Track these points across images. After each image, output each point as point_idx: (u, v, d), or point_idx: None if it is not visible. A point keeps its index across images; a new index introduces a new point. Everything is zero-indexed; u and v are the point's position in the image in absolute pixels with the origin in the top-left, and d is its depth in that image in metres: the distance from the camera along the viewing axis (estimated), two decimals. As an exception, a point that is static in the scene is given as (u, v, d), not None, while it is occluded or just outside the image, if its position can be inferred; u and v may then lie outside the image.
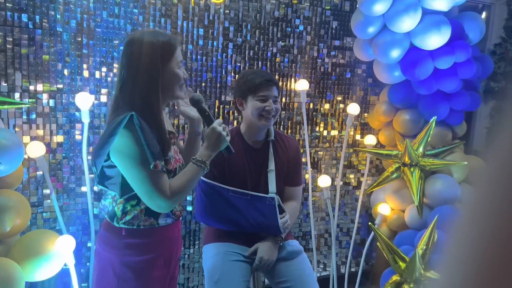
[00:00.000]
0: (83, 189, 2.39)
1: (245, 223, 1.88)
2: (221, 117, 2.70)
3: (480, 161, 3.01)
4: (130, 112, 1.31)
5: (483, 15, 3.87)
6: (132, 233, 1.42)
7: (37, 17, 2.20)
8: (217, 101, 2.70)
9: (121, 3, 2.36)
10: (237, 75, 2.72)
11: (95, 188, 2.39)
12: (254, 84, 1.84)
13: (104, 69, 2.38)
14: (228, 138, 1.47)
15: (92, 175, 2.27)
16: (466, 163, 2.65)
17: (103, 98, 2.40)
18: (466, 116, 2.97)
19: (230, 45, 2.67)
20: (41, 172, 2.29)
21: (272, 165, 1.94)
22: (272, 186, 1.92)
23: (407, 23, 2.48)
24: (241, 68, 2.71)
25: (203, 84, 2.64)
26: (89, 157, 2.24)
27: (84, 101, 2.16)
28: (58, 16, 2.24)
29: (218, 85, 2.68)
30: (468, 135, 3.84)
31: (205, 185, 1.88)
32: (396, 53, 2.60)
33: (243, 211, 1.87)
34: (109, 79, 2.40)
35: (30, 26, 2.19)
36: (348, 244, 3.18)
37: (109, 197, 1.46)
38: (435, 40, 2.49)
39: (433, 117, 2.61)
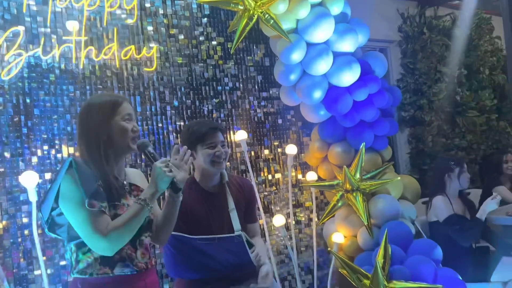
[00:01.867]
0: (37, 272, 2.26)
1: (218, 267, 1.91)
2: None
3: (410, 178, 3.34)
4: (69, 158, 1.41)
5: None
6: (86, 284, 1.40)
7: (-29, 104, 2.19)
8: (163, 162, 2.76)
9: (56, 81, 2.43)
10: (178, 135, 2.83)
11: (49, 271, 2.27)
12: (201, 133, 1.96)
13: (45, 147, 2.38)
14: (170, 174, 1.42)
15: (45, 257, 2.18)
16: (399, 178, 2.93)
17: (48, 176, 2.37)
18: (389, 143, 3.31)
19: (168, 107, 2.82)
20: (-13, 264, 2.15)
21: (232, 204, 2.02)
22: (237, 224, 1.99)
23: (323, 66, 2.82)
24: (182, 127, 2.84)
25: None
26: (39, 238, 2.16)
27: (29, 180, 2.13)
28: (-7, 101, 2.24)
29: (161, 146, 2.77)
30: (394, 160, 4.23)
31: (171, 238, 1.90)
32: (318, 94, 2.90)
33: (214, 255, 1.90)
34: (51, 156, 2.39)
35: (-36, 114, 2.17)
36: (312, 283, 3.25)
37: (67, 249, 1.45)
38: (349, 77, 2.85)
39: (362, 144, 2.89)
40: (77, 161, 1.41)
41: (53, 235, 1.45)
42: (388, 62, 4.48)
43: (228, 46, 3.10)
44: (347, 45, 2.87)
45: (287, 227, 3.10)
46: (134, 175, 1.64)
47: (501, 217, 3.00)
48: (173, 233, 1.89)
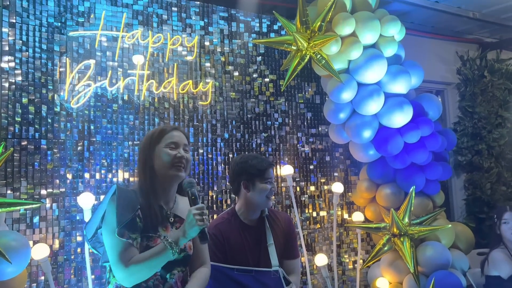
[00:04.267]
0: (85, 289, 2.38)
1: (254, 299, 1.92)
2: (214, 206, 2.83)
3: (464, 227, 3.17)
4: (114, 185, 1.50)
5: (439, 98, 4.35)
6: None
7: (43, 128, 2.42)
8: (210, 191, 2.85)
9: (118, 110, 2.63)
10: (226, 166, 2.92)
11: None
12: (263, 168, 2.01)
13: (103, 171, 2.55)
14: (201, 224, 1.42)
15: (93, 276, 2.30)
16: (450, 225, 2.80)
17: (102, 198, 2.53)
18: (443, 188, 3.19)
19: (218, 139, 2.93)
20: (42, 278, 2.30)
21: (271, 239, 2.04)
22: (274, 259, 2.00)
23: (373, 106, 2.82)
24: (230, 159, 2.93)
25: (195, 176, 2.82)
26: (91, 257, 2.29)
27: (86, 201, 2.28)
28: (62, 126, 2.46)
29: (210, 176, 2.86)
30: (447, 206, 4.04)
31: (209, 268, 1.94)
32: (367, 134, 2.89)
33: (251, 287, 1.91)
34: (108, 179, 2.55)
35: (37, 136, 2.39)
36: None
37: (106, 265, 1.54)
38: (400, 118, 2.82)
39: (412, 187, 2.81)
40: (120, 189, 1.49)
41: (94, 251, 1.57)
42: (445, 105, 4.36)
43: (280, 83, 3.19)
44: (400, 86, 2.86)
45: (329, 267, 3.04)
46: (184, 205, 1.62)
47: None
48: (211, 263, 1.94)
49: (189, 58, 2.88)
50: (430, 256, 2.76)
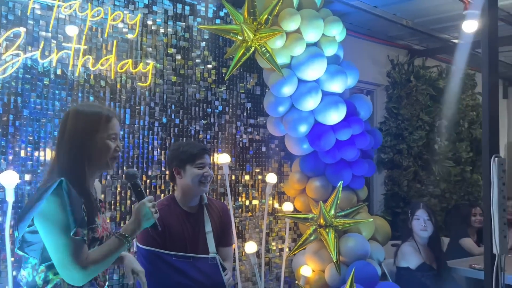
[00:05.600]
0: (3, 271, 2.24)
1: (190, 286, 1.95)
2: (147, 191, 2.79)
3: (382, 220, 3.43)
4: (60, 178, 1.35)
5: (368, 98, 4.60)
6: None
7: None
8: (144, 176, 2.80)
9: (50, 85, 2.46)
10: (163, 151, 2.88)
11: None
12: (192, 153, 2.03)
13: (29, 148, 2.39)
14: (156, 216, 1.48)
15: (13, 258, 2.17)
16: (372, 220, 3.02)
17: (27, 177, 2.38)
18: (365, 183, 3.41)
19: (156, 123, 2.86)
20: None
21: (209, 227, 2.08)
22: (212, 246, 2.04)
23: (311, 102, 2.93)
24: (167, 144, 2.88)
25: (129, 160, 2.74)
26: (11, 238, 2.15)
27: (9, 179, 2.13)
28: (-16, 97, 2.26)
29: (145, 161, 2.80)
30: (369, 199, 4.33)
31: (147, 253, 1.94)
32: (303, 128, 3.00)
33: (188, 274, 1.95)
34: (34, 157, 2.40)
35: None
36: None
37: (28, 266, 1.41)
38: (335, 116, 2.95)
39: (340, 182, 2.98)
40: (67, 182, 1.36)
41: (21, 253, 1.41)
42: (374, 105, 4.63)
43: (223, 71, 3.18)
44: (337, 86, 2.99)
45: (258, 254, 3.13)
46: (98, 189, 1.61)
47: (464, 268, 3.10)
48: (148, 248, 1.94)
49: (130, 36, 2.77)
50: (351, 247, 2.96)
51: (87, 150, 1.44)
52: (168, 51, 2.93)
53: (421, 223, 3.04)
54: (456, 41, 4.66)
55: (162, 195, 2.86)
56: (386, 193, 4.59)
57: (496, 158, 1.98)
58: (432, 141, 4.83)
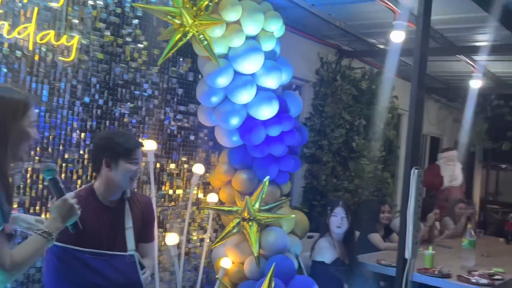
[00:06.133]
0: None
1: (104, 285, 1.83)
2: (63, 176, 2.58)
3: (302, 215, 3.54)
4: None
5: (296, 93, 4.70)
6: None
7: None
8: (59, 159, 2.57)
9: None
10: (82, 134, 2.67)
11: None
12: (129, 148, 1.89)
13: None
14: (78, 213, 1.46)
15: None
16: (294, 216, 3.10)
17: None
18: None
19: (77, 103, 2.64)
20: None
21: (129, 223, 1.96)
22: (131, 243, 1.93)
23: (245, 96, 2.90)
24: (87, 126, 2.68)
25: (44, 141, 2.50)
26: None
27: None
28: None
29: (61, 143, 2.57)
30: (289, 192, 4.45)
31: (58, 249, 1.78)
32: (235, 121, 2.97)
33: (102, 272, 1.82)
34: None
35: None
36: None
37: None
38: (267, 111, 2.96)
39: (267, 177, 3.01)
40: None
41: None
42: (301, 99, 4.74)
43: (154, 52, 3.02)
44: (272, 81, 2.99)
45: (178, 245, 3.07)
46: None
47: (372, 264, 3.33)
48: (59, 244, 1.78)
49: (53, 4, 2.49)
50: (272, 241, 3.01)
51: (7, 137, 1.31)
52: (96, 26, 2.70)
53: (338, 220, 3.19)
54: (381, 46, 4.91)
55: (79, 180, 2.66)
56: (306, 186, 4.76)
57: (416, 170, 2.12)
58: (351, 139, 5.08)
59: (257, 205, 2.99)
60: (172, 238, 2.81)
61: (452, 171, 6.32)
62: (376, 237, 4.02)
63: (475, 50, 4.38)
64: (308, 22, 4.19)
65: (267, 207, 3.09)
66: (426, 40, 2.79)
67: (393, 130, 5.86)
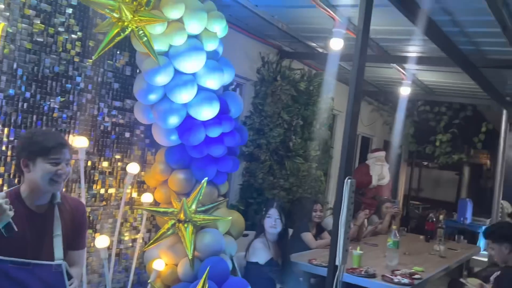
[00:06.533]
0: None
1: (28, 299, 1.71)
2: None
3: (238, 215, 3.56)
4: None
5: (237, 91, 4.70)
6: None
7: None
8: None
9: None
10: (6, 129, 2.46)
11: None
12: (46, 146, 1.76)
13: None
14: (10, 214, 1.38)
15: None
16: (230, 218, 3.10)
17: None
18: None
19: (0, 95, 2.43)
20: None
21: (58, 230, 1.85)
22: (59, 252, 1.82)
23: (185, 96, 2.84)
24: (12, 121, 2.48)
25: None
26: None
27: None
28: None
29: (-19, 138, 2.36)
30: (227, 190, 4.45)
31: (-25, 259, 1.63)
32: (174, 120, 2.90)
33: (26, 284, 1.70)
34: None
35: None
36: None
37: None
38: (208, 112, 2.92)
39: (205, 178, 2.97)
40: None
41: None
42: (242, 98, 4.74)
43: (89, 44, 2.85)
44: (213, 82, 2.95)
45: (109, 246, 2.95)
46: None
47: (304, 263, 3.43)
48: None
49: (-25, -15, 2.26)
50: (207, 243, 3.00)
51: None
52: (25, 13, 2.49)
53: (272, 222, 3.25)
54: (321, 50, 5.04)
55: (0, 179, 2.46)
56: (243, 184, 4.79)
57: (349, 180, 2.21)
58: (288, 138, 5.18)
59: (193, 207, 2.95)
60: (102, 241, 2.69)
61: (380, 171, 6.68)
62: (308, 236, 4.15)
63: (406, 60, 4.64)
64: (251, 22, 4.19)
65: (203, 208, 3.07)
66: (365, 49, 2.88)
67: (328, 130, 6.06)
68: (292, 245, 3.91)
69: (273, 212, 3.28)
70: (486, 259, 5.63)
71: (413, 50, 4.37)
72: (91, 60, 2.84)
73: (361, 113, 7.33)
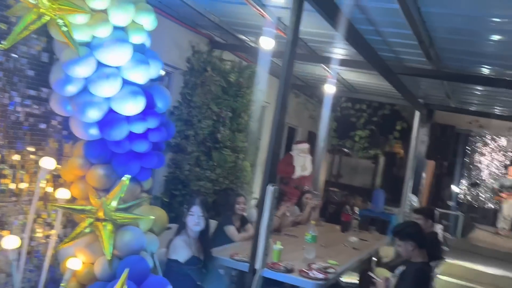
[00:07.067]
0: None
1: None
2: None
3: (161, 211, 3.50)
4: None
5: (165, 80, 4.58)
6: None
7: None
8: None
9: None
10: None
11: None
12: None
13: None
14: None
15: None
16: (153, 217, 3.04)
17: None
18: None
19: None
20: None
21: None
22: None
23: (108, 89, 2.70)
24: None
25: None
26: None
27: None
28: None
29: None
30: (152, 182, 4.36)
31: None
32: (94, 114, 2.75)
33: None
34: None
35: None
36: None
37: None
38: (132, 107, 2.81)
39: (127, 176, 2.87)
40: None
41: None
42: (170, 88, 4.63)
43: (1, 27, 2.60)
44: (138, 76, 2.84)
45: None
46: None
47: (226, 259, 3.47)
48: None
49: None
50: (127, 241, 2.91)
51: None
52: None
53: (195, 219, 3.25)
54: (252, 44, 5.06)
55: None
56: (168, 175, 4.72)
57: (271, 187, 2.27)
58: (216, 130, 5.18)
59: (113, 204, 2.85)
60: (10, 241, 2.52)
61: (303, 162, 6.95)
62: (231, 230, 4.21)
63: (331, 61, 4.84)
64: (182, 11, 4.09)
65: (125, 206, 2.97)
66: (294, 48, 2.94)
67: (256, 122, 6.15)
68: (216, 239, 3.95)
69: (196, 210, 3.27)
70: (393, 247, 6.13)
71: (338, 52, 4.56)
72: (3, 46, 2.59)
73: (289, 105, 7.57)
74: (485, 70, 4.38)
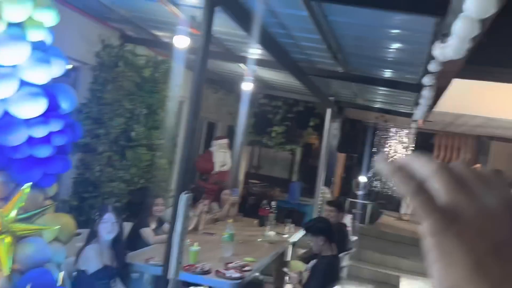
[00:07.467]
0: None
1: None
2: None
3: (67, 218, 3.29)
4: None
5: (72, 76, 4.29)
6: None
7: None
8: None
9: None
10: None
11: None
12: None
13: None
14: None
15: None
16: (59, 227, 2.85)
17: None
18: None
19: None
20: None
21: None
22: None
23: (2, 91, 2.46)
24: None
25: None
26: None
27: None
28: None
29: None
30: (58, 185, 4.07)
31: None
32: (-14, 117, 2.50)
33: None
34: None
35: None
36: None
37: None
38: (31, 110, 2.59)
39: (28, 184, 2.65)
40: None
41: None
42: (77, 84, 4.35)
43: None
44: (39, 76, 2.62)
45: None
46: None
47: (141, 264, 3.37)
48: None
49: None
50: (29, 254, 2.70)
51: None
52: None
53: (109, 227, 3.10)
54: (167, 40, 4.92)
55: None
56: (76, 178, 4.45)
57: (185, 196, 2.24)
58: (130, 127, 4.97)
59: (12, 215, 2.62)
60: None
61: (223, 157, 6.98)
62: (147, 232, 4.10)
63: (246, 60, 4.89)
64: (90, 3, 3.84)
65: (25, 215, 2.75)
66: (208, 46, 2.89)
67: (174, 118, 6.02)
68: (131, 242, 3.81)
69: (109, 217, 3.12)
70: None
71: (253, 52, 4.61)
72: None
73: (208, 100, 7.52)
74: (387, 74, 4.73)
